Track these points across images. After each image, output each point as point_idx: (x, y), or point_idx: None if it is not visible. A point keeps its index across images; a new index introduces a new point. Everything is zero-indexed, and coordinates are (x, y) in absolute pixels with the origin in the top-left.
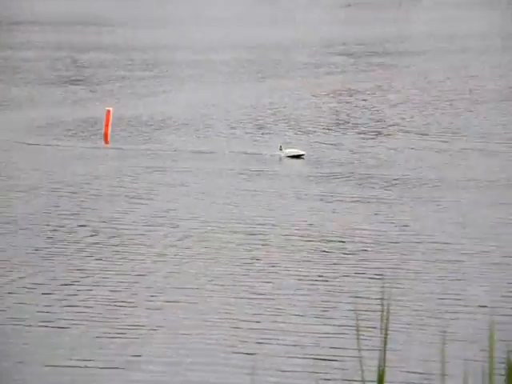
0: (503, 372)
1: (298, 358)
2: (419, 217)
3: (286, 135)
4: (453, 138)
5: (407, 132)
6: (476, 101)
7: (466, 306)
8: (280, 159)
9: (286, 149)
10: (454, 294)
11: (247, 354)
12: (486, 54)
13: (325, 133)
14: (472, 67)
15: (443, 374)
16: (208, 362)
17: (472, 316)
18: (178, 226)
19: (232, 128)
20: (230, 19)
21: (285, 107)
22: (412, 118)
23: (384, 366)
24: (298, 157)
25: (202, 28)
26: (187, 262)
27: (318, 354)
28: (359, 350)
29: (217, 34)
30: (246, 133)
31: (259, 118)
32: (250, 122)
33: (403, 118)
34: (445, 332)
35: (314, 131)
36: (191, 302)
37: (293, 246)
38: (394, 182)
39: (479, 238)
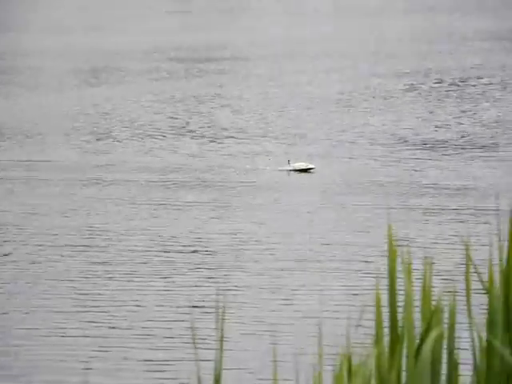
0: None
1: (131, 371)
2: (256, 222)
3: (128, 142)
4: (290, 142)
5: (245, 137)
6: (309, 106)
7: (297, 311)
8: (288, 174)
9: (294, 162)
10: (288, 300)
11: (78, 369)
12: (319, 58)
13: (163, 139)
14: (306, 72)
15: (275, 379)
16: (42, 379)
17: (303, 322)
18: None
19: (67, 135)
20: (63, 26)
21: (123, 114)
22: (249, 122)
23: (220, 372)
24: (306, 170)
25: (34, 34)
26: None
27: (152, 369)
28: (196, 361)
29: (49, 41)
30: (83, 141)
31: (98, 125)
32: (88, 130)
33: (240, 123)
34: (276, 337)
35: (154, 137)
36: None
37: (125, 255)
38: (232, 187)
39: (316, 243)
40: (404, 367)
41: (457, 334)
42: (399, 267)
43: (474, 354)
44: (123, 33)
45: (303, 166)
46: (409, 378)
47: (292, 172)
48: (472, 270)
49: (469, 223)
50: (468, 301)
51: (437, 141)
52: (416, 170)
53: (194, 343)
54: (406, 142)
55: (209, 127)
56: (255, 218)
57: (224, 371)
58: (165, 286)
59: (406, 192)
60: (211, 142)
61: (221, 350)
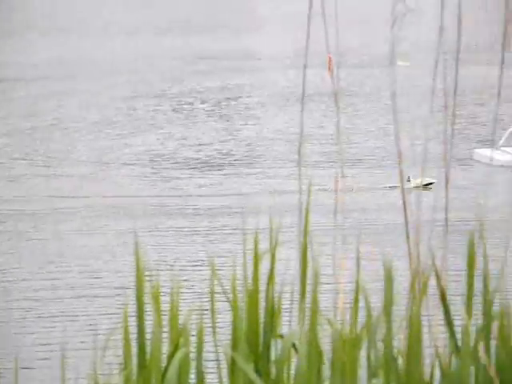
0: None
1: None
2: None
3: None
4: (57, 164)
5: (6, 161)
6: (74, 129)
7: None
8: (410, 191)
9: (414, 179)
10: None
11: None
12: (85, 80)
13: None
14: (69, 94)
15: None
16: None
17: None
18: None
19: None
20: None
21: None
22: (17, 146)
23: None
24: (427, 185)
25: None
26: None
27: None
28: None
29: None
30: None
31: None
32: None
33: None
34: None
35: None
36: None
37: None
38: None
39: (68, 271)
40: None
41: (207, 357)
42: (148, 292)
43: (219, 374)
44: None
45: (426, 181)
46: None
47: (414, 188)
48: (218, 289)
49: (219, 243)
50: (213, 320)
51: (196, 160)
52: (177, 190)
53: None
54: (167, 162)
55: None
56: (14, 246)
57: None
58: None
59: (161, 213)
60: None
61: None
